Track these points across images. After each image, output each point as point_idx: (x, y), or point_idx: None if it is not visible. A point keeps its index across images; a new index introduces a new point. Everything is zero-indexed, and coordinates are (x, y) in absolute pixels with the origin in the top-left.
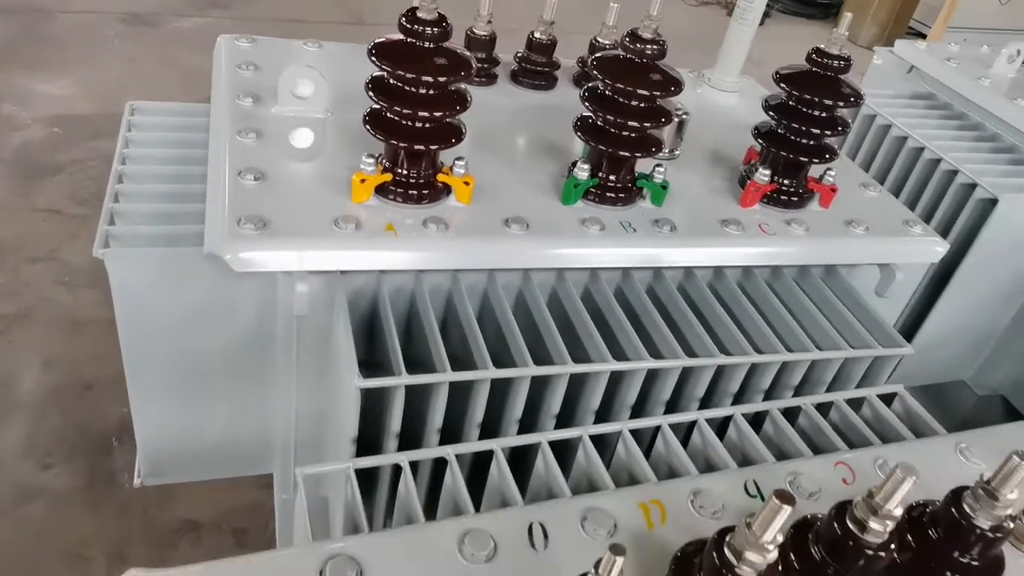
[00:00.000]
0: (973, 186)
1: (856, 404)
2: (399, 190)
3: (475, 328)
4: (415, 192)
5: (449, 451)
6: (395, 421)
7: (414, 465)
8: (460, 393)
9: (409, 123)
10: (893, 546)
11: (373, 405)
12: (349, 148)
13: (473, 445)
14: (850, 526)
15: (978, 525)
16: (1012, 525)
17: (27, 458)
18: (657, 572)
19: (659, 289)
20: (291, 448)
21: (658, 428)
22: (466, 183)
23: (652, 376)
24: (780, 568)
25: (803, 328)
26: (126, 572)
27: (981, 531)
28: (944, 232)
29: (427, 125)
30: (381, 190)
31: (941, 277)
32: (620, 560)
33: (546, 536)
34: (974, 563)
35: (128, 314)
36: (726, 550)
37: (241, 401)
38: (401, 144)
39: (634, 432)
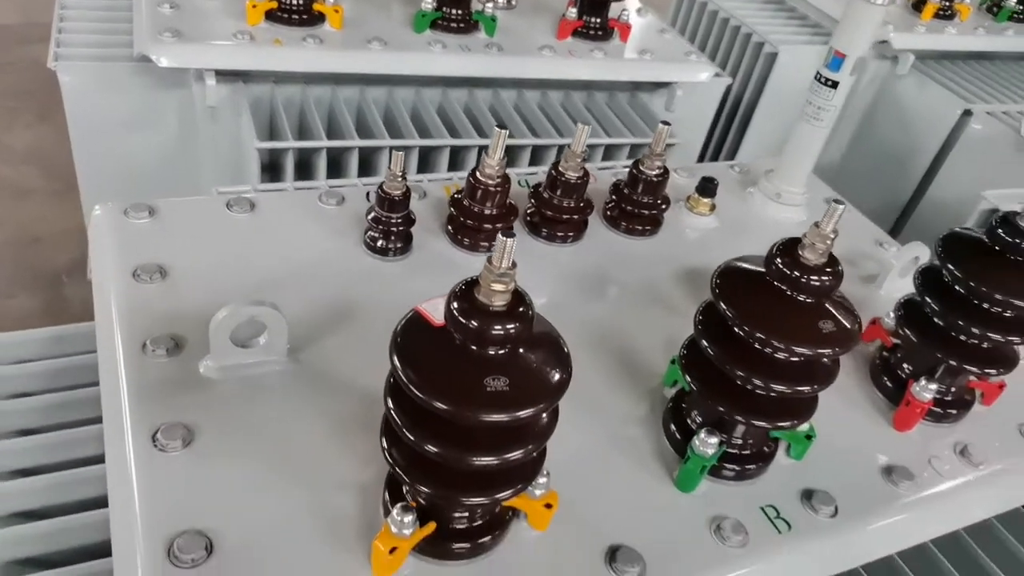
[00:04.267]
0: (762, 44)
1: None
2: (283, 15)
3: (348, 120)
4: (296, 16)
5: (323, 183)
6: (289, 177)
7: None
8: (338, 169)
9: None
10: (586, 179)
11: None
12: None
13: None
14: (561, 168)
15: (646, 174)
16: (668, 175)
17: None
18: None
19: (496, 105)
20: None
21: None
22: (336, 11)
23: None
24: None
25: (603, 128)
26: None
27: (648, 176)
28: (744, 84)
29: None
30: (270, 16)
31: (747, 123)
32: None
33: None
34: (648, 199)
35: (77, 119)
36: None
37: (172, 191)
38: None
39: None
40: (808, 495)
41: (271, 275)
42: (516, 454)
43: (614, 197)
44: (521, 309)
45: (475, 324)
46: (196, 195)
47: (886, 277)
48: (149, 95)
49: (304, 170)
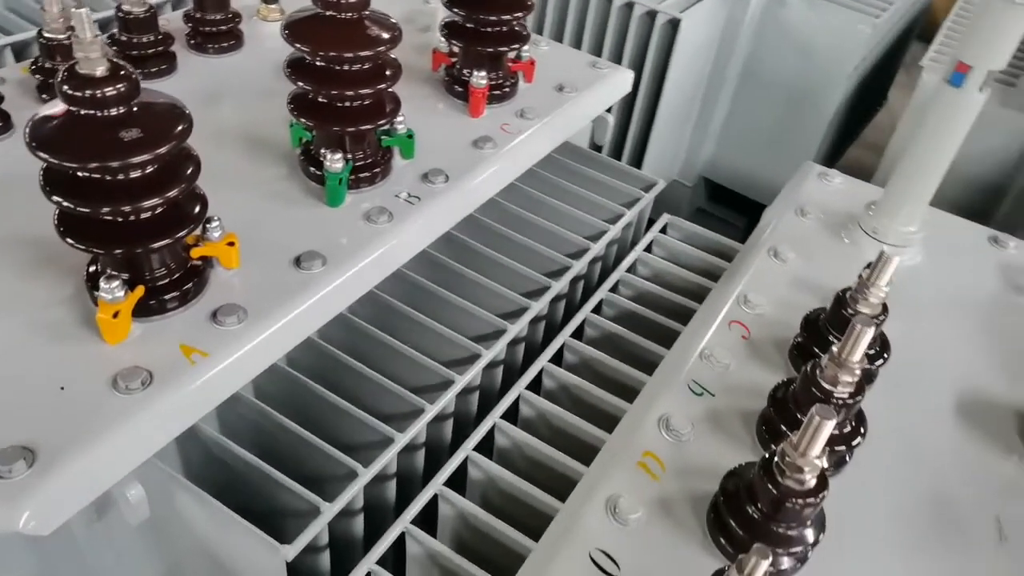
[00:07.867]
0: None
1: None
2: None
3: None
4: None
5: None
6: None
7: None
8: None
9: None
10: (153, 11)
11: None
12: None
13: None
14: (125, 8)
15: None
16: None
17: None
18: None
19: None
20: None
21: None
22: None
23: None
24: None
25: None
26: None
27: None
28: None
29: None
30: None
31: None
32: None
33: None
34: (219, 16)
35: None
36: None
37: None
38: None
39: None
40: (424, 176)
41: None
42: (173, 192)
43: (189, 24)
44: (123, 72)
45: (88, 92)
46: None
47: (435, 21)
48: None
49: None
